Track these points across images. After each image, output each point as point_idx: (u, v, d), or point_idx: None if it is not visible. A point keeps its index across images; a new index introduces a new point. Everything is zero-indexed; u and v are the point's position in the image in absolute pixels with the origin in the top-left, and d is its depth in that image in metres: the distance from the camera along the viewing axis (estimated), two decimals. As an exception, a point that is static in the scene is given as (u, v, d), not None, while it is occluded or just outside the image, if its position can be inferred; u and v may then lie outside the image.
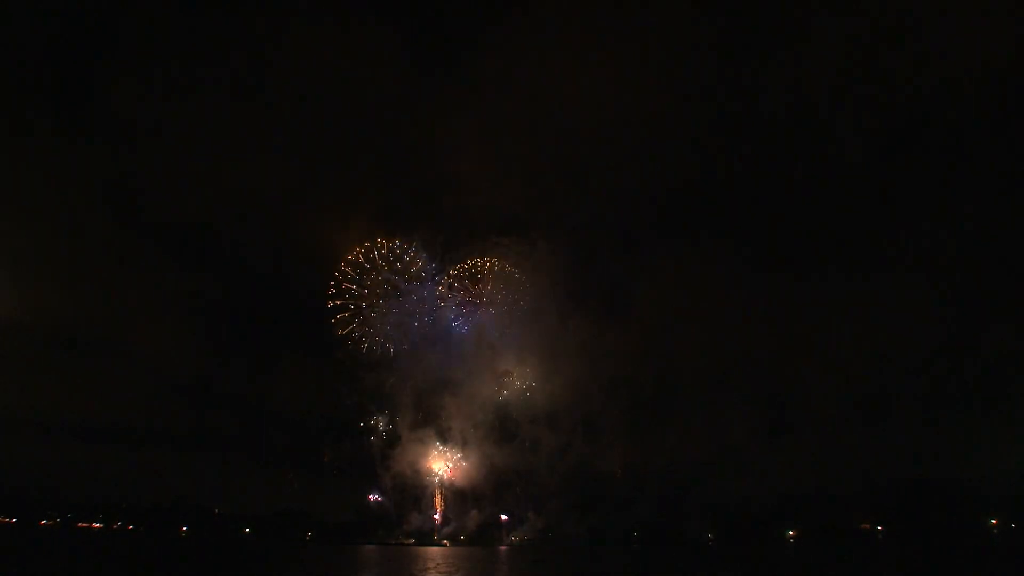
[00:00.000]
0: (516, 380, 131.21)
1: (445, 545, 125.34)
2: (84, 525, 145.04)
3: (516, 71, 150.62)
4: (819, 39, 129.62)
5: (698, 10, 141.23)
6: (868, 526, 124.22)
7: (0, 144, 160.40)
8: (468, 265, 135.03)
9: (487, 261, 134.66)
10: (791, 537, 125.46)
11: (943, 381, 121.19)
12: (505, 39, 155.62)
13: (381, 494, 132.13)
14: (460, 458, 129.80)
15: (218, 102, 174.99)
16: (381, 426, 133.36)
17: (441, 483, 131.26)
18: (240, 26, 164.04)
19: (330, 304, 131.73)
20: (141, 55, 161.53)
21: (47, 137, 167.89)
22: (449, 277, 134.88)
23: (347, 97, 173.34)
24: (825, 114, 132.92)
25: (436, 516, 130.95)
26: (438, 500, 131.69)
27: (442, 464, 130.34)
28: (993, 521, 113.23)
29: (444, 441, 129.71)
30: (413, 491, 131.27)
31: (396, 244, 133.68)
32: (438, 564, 51.84)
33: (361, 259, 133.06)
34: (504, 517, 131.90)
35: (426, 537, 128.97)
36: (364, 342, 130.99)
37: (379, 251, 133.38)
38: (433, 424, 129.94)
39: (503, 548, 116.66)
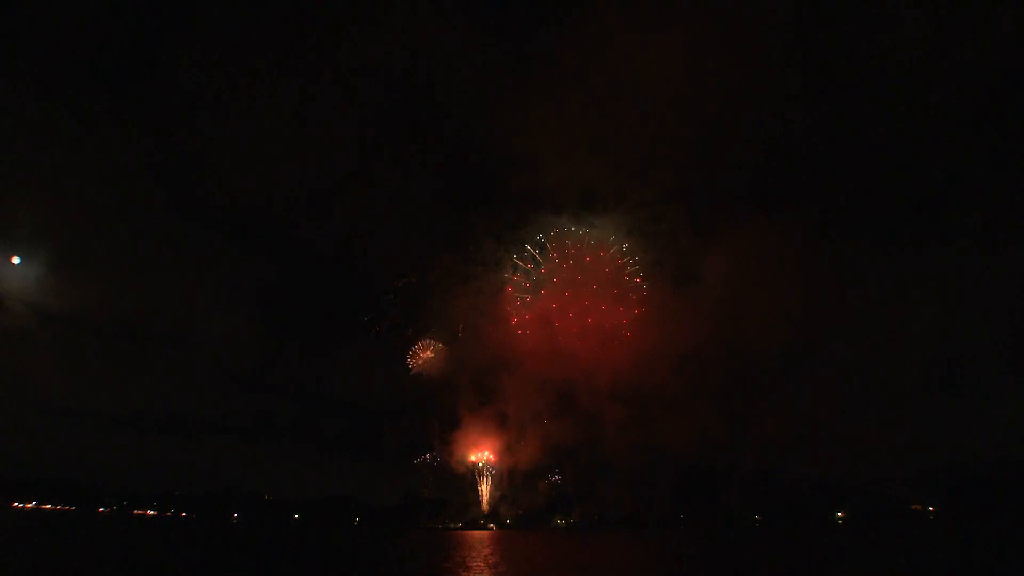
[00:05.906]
0: (578, 357, 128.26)
1: (491, 529, 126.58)
2: (139, 512, 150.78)
3: (589, 44, 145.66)
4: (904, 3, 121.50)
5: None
6: (920, 507, 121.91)
7: (63, 139, 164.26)
8: (534, 243, 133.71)
9: (553, 238, 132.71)
10: (840, 519, 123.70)
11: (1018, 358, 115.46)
12: (579, 11, 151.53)
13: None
14: (516, 439, 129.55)
15: (279, 87, 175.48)
16: (439, 408, 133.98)
17: (492, 466, 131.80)
18: (304, 9, 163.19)
19: (392, 287, 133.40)
20: (203, 41, 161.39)
21: (108, 128, 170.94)
22: (514, 256, 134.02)
23: (411, 79, 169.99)
24: (905, 82, 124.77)
25: (485, 499, 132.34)
26: (487, 483, 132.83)
27: (497, 446, 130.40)
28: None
29: (502, 423, 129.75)
30: (464, 475, 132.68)
31: (459, 225, 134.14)
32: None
33: (424, 242, 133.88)
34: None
35: (473, 522, 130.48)
36: (425, 326, 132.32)
37: (443, 233, 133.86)
38: (491, 406, 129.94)
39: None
